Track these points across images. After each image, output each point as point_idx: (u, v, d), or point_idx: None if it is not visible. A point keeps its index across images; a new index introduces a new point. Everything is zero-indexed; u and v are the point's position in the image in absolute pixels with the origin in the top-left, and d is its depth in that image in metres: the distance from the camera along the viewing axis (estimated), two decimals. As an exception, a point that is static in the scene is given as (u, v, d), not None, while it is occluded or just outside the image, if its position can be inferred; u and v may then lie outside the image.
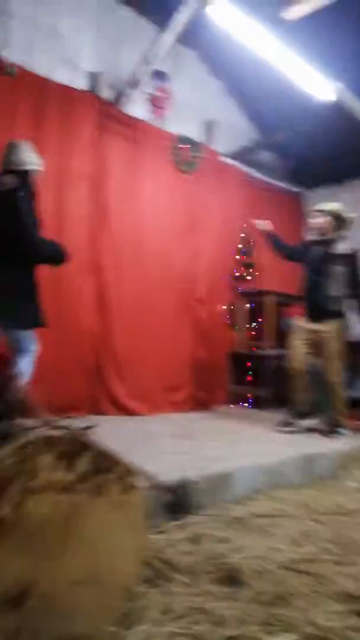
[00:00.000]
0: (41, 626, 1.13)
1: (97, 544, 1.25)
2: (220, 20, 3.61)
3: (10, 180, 2.81)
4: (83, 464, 1.25)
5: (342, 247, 3.78)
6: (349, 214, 3.74)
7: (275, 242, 4.04)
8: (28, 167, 2.87)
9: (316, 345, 3.73)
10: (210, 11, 3.51)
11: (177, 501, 1.58)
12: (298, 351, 3.76)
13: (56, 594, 1.16)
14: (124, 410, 4.13)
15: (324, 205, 3.82)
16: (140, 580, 1.45)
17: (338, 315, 3.75)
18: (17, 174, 2.84)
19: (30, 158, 2.91)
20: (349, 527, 2.20)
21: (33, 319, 2.86)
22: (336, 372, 3.71)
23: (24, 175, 2.86)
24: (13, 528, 1.12)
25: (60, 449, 1.22)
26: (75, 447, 1.24)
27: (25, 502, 1.14)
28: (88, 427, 1.36)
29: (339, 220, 3.72)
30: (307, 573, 1.72)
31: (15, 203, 2.74)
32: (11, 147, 2.93)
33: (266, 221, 3.95)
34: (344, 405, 3.77)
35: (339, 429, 3.69)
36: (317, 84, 4.15)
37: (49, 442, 1.21)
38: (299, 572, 1.73)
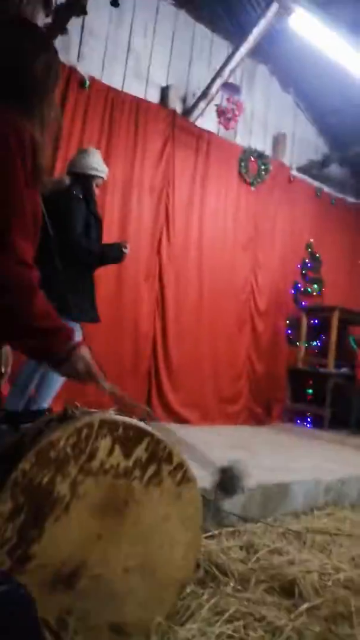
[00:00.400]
0: (91, 609, 1.11)
1: (151, 534, 1.23)
2: (299, 29, 3.59)
3: (67, 182, 2.83)
4: (140, 450, 1.23)
5: None
6: None
7: None
8: (87, 172, 2.86)
9: None
10: (291, 21, 3.50)
11: (229, 481, 1.57)
12: None
13: (108, 578, 1.14)
14: (177, 418, 4.11)
15: None
16: (192, 579, 1.41)
17: None
18: (77, 177, 2.85)
19: (94, 164, 2.90)
20: None
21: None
22: None
23: (83, 180, 2.86)
24: (68, 506, 1.11)
25: (119, 434, 1.21)
26: (133, 433, 1.22)
27: (82, 482, 1.14)
28: (148, 414, 1.34)
29: None
30: (370, 595, 1.60)
31: (68, 204, 2.73)
32: (79, 152, 3.00)
33: None
34: None
35: None
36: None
37: (107, 426, 1.20)
38: (360, 593, 1.61)
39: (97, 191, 2.94)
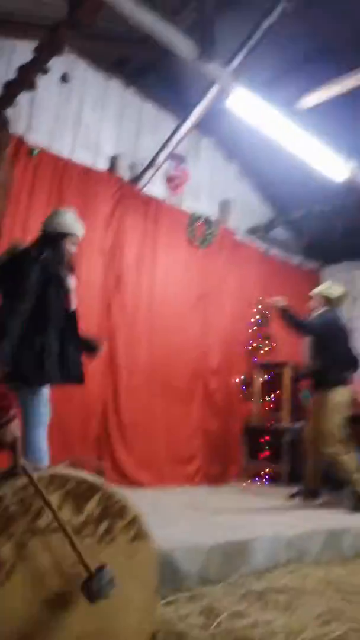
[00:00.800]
0: None
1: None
2: (238, 108, 3.90)
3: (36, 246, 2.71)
4: (92, 505, 1.18)
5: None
6: (334, 292, 4.01)
7: (290, 318, 4.03)
8: (59, 230, 2.72)
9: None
10: (230, 102, 3.80)
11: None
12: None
13: (56, 650, 1.05)
14: (130, 481, 3.96)
15: (316, 289, 4.16)
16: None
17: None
18: (47, 238, 2.73)
19: (64, 222, 2.77)
20: (382, 609, 2.00)
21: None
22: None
23: (53, 240, 2.72)
24: (13, 571, 1.04)
25: (69, 489, 1.16)
26: (84, 488, 1.18)
27: (28, 543, 1.07)
28: (99, 468, 1.30)
29: (328, 300, 3.99)
30: (337, 654, 1.55)
31: (23, 265, 2.60)
32: (50, 214, 2.87)
33: (281, 298, 4.01)
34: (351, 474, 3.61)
35: None
36: (331, 165, 4.38)
37: (56, 481, 1.15)
38: (327, 652, 1.55)
39: (72, 250, 2.79)
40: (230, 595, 1.92)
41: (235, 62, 4.06)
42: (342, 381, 3.78)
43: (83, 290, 4.05)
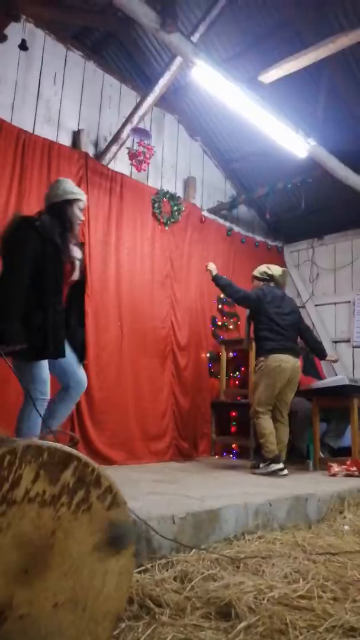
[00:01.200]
0: (18, 652, 1.02)
1: (81, 565, 1.17)
2: (201, 82, 3.86)
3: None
4: (67, 475, 1.18)
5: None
6: (269, 271, 4.32)
7: (224, 285, 4.26)
8: (63, 197, 2.68)
9: None
10: (194, 74, 3.76)
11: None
12: None
13: (36, 617, 1.07)
14: (102, 459, 3.98)
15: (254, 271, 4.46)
16: (125, 612, 1.35)
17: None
18: (51, 208, 2.68)
19: (66, 188, 2.73)
20: (346, 567, 2.09)
21: None
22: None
23: (58, 209, 2.68)
24: (-9, 541, 1.04)
25: (44, 459, 1.16)
26: (59, 458, 1.18)
27: (5, 513, 1.07)
28: (72, 439, 1.30)
29: (265, 280, 4.30)
30: (305, 608, 1.62)
31: (19, 233, 2.55)
32: (50, 187, 2.82)
33: (213, 264, 4.34)
34: (262, 439, 3.91)
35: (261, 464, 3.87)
36: (292, 142, 4.40)
37: (30, 452, 1.15)
38: (296, 607, 1.63)
39: (80, 215, 2.75)
40: (203, 561, 1.97)
41: (198, 33, 4.01)
42: (272, 350, 3.98)
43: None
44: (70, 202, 2.69)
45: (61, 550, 1.14)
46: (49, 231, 2.60)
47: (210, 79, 3.74)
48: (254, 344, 4.44)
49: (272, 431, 3.92)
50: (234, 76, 3.86)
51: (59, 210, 2.68)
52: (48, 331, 2.51)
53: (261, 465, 3.88)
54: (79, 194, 2.76)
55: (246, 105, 4.00)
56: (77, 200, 2.73)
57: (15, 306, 2.46)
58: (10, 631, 1.03)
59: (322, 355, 4.47)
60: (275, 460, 3.81)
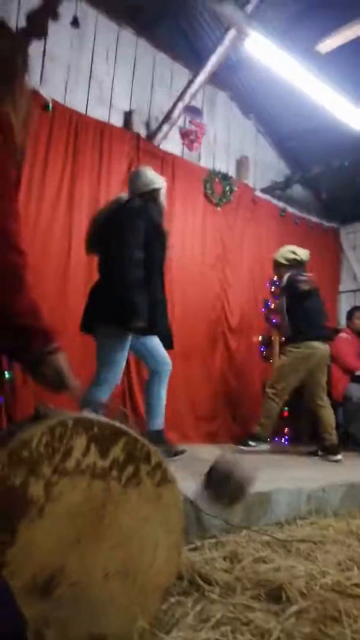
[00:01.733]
0: (70, 618, 1.04)
1: (131, 537, 1.17)
2: (255, 54, 3.73)
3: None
4: (117, 450, 1.18)
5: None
6: (298, 257, 4.08)
7: None
8: (152, 187, 2.86)
9: None
10: (247, 46, 3.64)
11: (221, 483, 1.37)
12: None
13: (87, 585, 1.08)
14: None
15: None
16: (175, 587, 1.35)
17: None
18: (143, 196, 2.83)
19: (154, 178, 2.91)
20: None
21: None
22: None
23: (149, 195, 2.85)
24: (43, 509, 1.05)
25: (94, 433, 1.16)
26: (109, 432, 1.18)
27: (57, 483, 1.08)
28: (125, 416, 1.30)
29: (285, 265, 4.06)
30: (358, 596, 1.57)
31: (129, 216, 2.70)
32: (134, 176, 2.97)
33: None
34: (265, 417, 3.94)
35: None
36: (350, 115, 4.20)
37: (82, 425, 1.15)
38: (349, 595, 1.57)
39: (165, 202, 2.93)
40: (254, 543, 1.95)
41: (251, 5, 3.86)
42: (309, 337, 3.89)
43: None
44: (159, 190, 2.87)
45: (111, 523, 1.14)
46: (154, 216, 2.78)
47: (265, 50, 3.61)
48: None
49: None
50: (289, 47, 3.70)
51: (152, 196, 2.84)
52: (156, 309, 2.70)
53: (252, 443, 3.87)
54: (164, 182, 2.94)
55: (302, 77, 3.84)
56: (162, 187, 2.91)
57: (138, 286, 2.61)
58: (62, 597, 1.04)
59: None
60: (333, 450, 3.77)
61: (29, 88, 1.16)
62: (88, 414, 1.20)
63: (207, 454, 3.33)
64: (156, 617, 1.20)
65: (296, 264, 4.07)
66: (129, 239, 2.63)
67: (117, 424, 1.22)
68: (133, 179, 2.94)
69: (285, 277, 4.05)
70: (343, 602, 1.49)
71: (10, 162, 1.04)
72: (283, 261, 4.10)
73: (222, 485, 1.29)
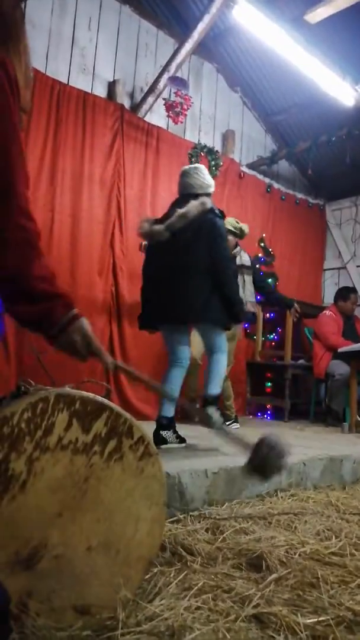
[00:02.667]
0: (54, 590, 1.05)
1: (114, 511, 1.18)
2: (242, 23, 3.64)
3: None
4: (99, 425, 1.18)
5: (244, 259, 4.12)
6: (240, 229, 4.05)
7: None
8: (208, 190, 2.98)
9: None
10: (235, 14, 3.54)
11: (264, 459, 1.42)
12: None
13: (70, 558, 1.09)
14: (136, 414, 4.05)
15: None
16: (158, 558, 1.37)
17: None
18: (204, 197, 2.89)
19: (209, 180, 3.03)
20: (379, 527, 2.08)
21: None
22: None
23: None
24: (25, 484, 1.05)
25: (76, 408, 1.16)
26: (91, 407, 1.18)
27: (39, 458, 1.08)
28: (106, 389, 1.30)
29: (233, 233, 3.98)
30: (336, 564, 1.61)
31: (215, 229, 2.82)
32: (192, 174, 3.00)
33: None
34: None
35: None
36: (338, 89, 4.14)
37: (63, 400, 1.15)
38: (327, 563, 1.62)
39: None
40: (235, 516, 1.99)
41: (241, -29, 3.75)
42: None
43: (85, 221, 3.97)
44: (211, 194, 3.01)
45: (94, 497, 1.15)
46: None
47: (252, 19, 3.52)
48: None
49: None
50: (277, 16, 3.61)
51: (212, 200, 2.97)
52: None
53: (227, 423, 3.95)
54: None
55: (290, 48, 3.77)
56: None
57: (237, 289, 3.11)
58: (46, 569, 1.06)
59: None
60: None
61: (28, 45, 1.10)
62: (70, 389, 1.19)
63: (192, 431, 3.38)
64: (139, 587, 1.22)
65: (239, 236, 4.07)
66: (227, 252, 2.97)
67: (100, 398, 1.21)
68: (196, 175, 2.97)
69: (245, 254, 4.15)
70: (321, 569, 1.54)
71: (18, 118, 0.99)
72: (234, 229, 4.03)
73: (267, 459, 1.34)
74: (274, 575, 1.40)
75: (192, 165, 3.15)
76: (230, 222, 3.99)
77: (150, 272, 3.06)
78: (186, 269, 2.81)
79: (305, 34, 3.75)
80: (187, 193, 2.94)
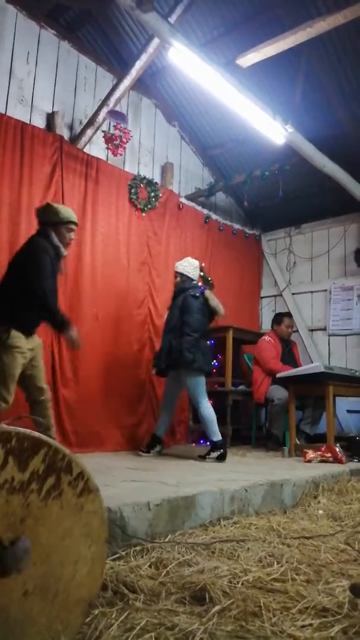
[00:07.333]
0: (-14, 642, 0.99)
1: (52, 552, 1.14)
2: (178, 65, 3.80)
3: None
4: (37, 462, 1.15)
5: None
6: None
7: None
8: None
9: None
10: (171, 56, 3.68)
11: None
12: None
13: (4, 605, 1.04)
14: (77, 447, 3.94)
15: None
16: (99, 598, 1.33)
17: None
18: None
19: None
20: (319, 550, 2.12)
21: None
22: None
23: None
24: None
25: (12, 445, 1.12)
26: (28, 444, 1.15)
27: (-29, 501, 1.04)
28: (42, 425, 1.27)
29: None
30: (278, 591, 1.63)
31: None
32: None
33: None
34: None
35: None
36: (269, 128, 4.37)
37: (-1, 438, 1.11)
38: (269, 590, 1.63)
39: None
40: (179, 548, 1.97)
41: (175, 15, 3.94)
42: None
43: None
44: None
45: (31, 538, 1.11)
46: None
47: (188, 61, 3.68)
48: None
49: None
50: (211, 59, 3.80)
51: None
52: None
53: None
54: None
55: (224, 89, 3.95)
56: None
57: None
58: (-23, 621, 1.00)
59: None
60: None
61: None
62: (6, 426, 1.16)
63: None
64: (79, 632, 1.18)
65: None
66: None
67: (37, 434, 1.19)
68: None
69: None
70: (263, 597, 1.55)
71: None
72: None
73: None
74: (217, 607, 1.39)
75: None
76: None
77: None
78: None
79: (237, 76, 3.96)
80: None
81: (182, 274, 4.26)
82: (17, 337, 2.87)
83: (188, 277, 4.26)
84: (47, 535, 1.13)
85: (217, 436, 3.94)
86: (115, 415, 4.44)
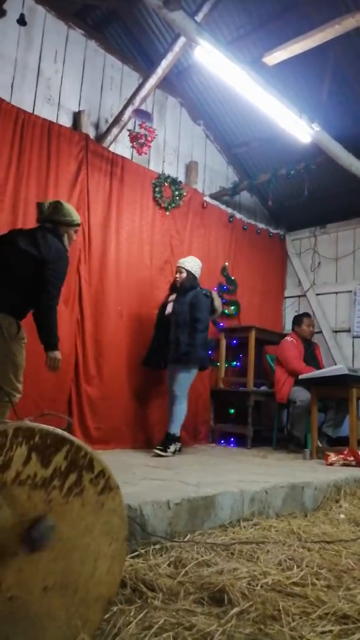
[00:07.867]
0: (7, 637, 1.01)
1: (72, 548, 1.15)
2: (204, 63, 3.78)
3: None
4: (59, 459, 1.16)
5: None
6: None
7: None
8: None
9: None
10: (197, 55, 3.67)
11: None
12: None
13: (25, 600, 1.05)
14: (99, 444, 3.97)
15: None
16: (118, 596, 1.34)
17: None
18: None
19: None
20: (340, 555, 2.09)
21: None
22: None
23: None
24: (-20, 523, 1.02)
25: (35, 442, 1.14)
26: (51, 441, 1.16)
27: (-5, 495, 1.05)
28: (66, 422, 1.28)
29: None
30: (298, 595, 1.61)
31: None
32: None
33: None
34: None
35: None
36: (295, 127, 4.32)
37: (22, 434, 1.12)
38: (289, 594, 1.62)
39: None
40: (198, 548, 1.97)
41: (202, 13, 3.93)
42: None
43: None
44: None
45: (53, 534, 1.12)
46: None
47: (214, 60, 3.66)
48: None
49: None
50: (237, 58, 3.77)
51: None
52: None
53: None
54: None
55: (250, 88, 3.92)
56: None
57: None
58: (-1, 614, 1.01)
59: None
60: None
61: None
62: (29, 422, 1.17)
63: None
64: (98, 629, 1.19)
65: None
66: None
67: (60, 431, 1.20)
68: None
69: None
70: (282, 601, 1.53)
71: None
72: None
73: None
74: (236, 609, 1.39)
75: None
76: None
77: None
78: None
79: (264, 75, 3.91)
80: None
81: (189, 272, 4.31)
82: (22, 330, 2.91)
83: (194, 276, 4.33)
84: (68, 531, 1.15)
85: (178, 430, 4.11)
86: (137, 412, 4.47)
